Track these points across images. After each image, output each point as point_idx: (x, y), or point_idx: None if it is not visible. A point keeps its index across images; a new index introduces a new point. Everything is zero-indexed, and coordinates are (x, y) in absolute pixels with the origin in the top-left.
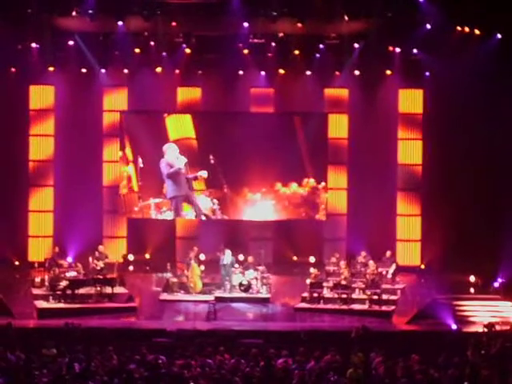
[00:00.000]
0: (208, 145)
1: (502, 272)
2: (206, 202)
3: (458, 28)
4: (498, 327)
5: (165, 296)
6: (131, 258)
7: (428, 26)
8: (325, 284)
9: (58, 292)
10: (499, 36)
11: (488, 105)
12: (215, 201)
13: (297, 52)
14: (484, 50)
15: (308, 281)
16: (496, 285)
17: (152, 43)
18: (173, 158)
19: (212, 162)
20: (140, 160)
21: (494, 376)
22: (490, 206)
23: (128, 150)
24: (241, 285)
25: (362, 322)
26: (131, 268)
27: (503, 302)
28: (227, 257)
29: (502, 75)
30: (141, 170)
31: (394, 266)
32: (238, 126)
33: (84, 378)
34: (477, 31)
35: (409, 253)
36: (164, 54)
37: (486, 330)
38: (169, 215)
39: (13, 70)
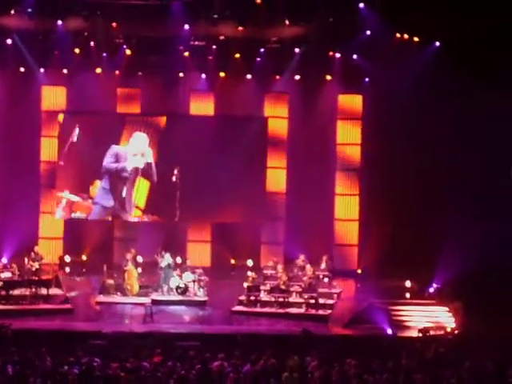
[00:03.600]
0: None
1: (438, 277)
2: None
3: (398, 35)
4: (432, 332)
5: (101, 298)
6: (68, 259)
7: (368, 32)
8: (262, 287)
9: None
10: (438, 44)
11: (425, 111)
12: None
13: (237, 55)
14: (423, 57)
15: (245, 284)
16: (431, 290)
17: (92, 43)
18: (131, 151)
19: (174, 179)
20: (76, 132)
21: (428, 381)
22: (426, 212)
23: None
24: (178, 287)
25: (298, 325)
26: (68, 269)
27: (438, 307)
28: (167, 259)
29: (439, 82)
30: (70, 147)
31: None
32: (177, 128)
33: (17, 380)
34: (416, 38)
35: (346, 257)
36: (104, 54)
37: (420, 334)
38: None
39: None
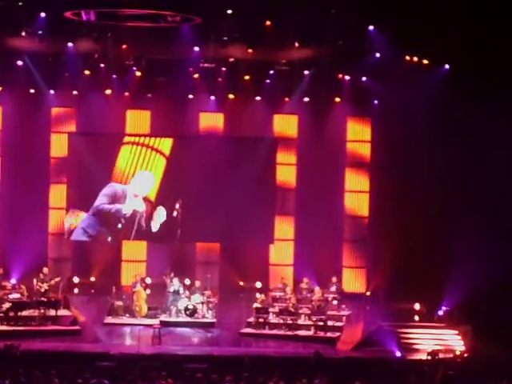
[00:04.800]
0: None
1: (447, 300)
2: None
3: (407, 57)
4: (441, 355)
5: (109, 319)
6: (76, 280)
7: (377, 55)
8: (271, 309)
9: (1, 314)
10: (447, 66)
11: (435, 134)
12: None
13: (247, 77)
14: (432, 79)
15: (254, 305)
16: (440, 313)
17: (102, 65)
18: (132, 191)
19: (175, 214)
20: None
21: None
22: (435, 234)
23: None
24: (186, 309)
25: (306, 348)
26: (76, 290)
27: (447, 330)
28: (175, 284)
29: (449, 105)
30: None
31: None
32: (187, 149)
33: None
34: (425, 61)
35: (354, 280)
36: (114, 76)
37: (429, 357)
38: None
39: None
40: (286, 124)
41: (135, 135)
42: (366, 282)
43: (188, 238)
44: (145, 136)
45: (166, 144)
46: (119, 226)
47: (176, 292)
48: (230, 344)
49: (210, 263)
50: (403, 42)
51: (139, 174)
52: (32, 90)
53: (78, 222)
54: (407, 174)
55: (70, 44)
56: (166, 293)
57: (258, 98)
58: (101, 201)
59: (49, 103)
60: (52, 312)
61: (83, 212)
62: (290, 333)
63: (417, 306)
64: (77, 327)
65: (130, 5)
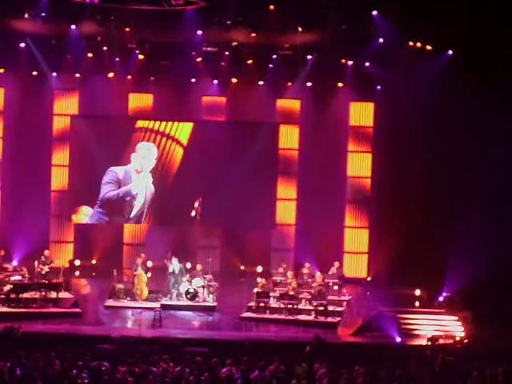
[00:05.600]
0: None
1: (447, 286)
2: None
3: (410, 43)
4: (441, 341)
5: (110, 302)
6: (77, 263)
7: (381, 40)
8: (271, 294)
9: (2, 296)
10: (450, 52)
11: (438, 119)
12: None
13: (250, 61)
14: (435, 65)
15: (255, 290)
16: (441, 299)
17: (105, 48)
18: (134, 168)
19: (193, 214)
20: None
21: None
22: (436, 220)
23: None
24: (187, 293)
25: (307, 332)
26: (77, 273)
27: (447, 316)
28: (175, 265)
29: (452, 90)
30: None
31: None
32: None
33: (25, 383)
34: (428, 47)
35: (355, 265)
36: (117, 59)
37: (429, 343)
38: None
39: None
40: (288, 108)
41: (139, 118)
42: (367, 268)
43: (190, 223)
44: (160, 121)
45: (184, 130)
46: (134, 209)
47: (175, 273)
48: (230, 328)
49: (211, 247)
50: (407, 27)
51: (139, 148)
52: (35, 73)
53: (81, 217)
54: (409, 159)
55: (73, 26)
56: (167, 276)
57: (260, 83)
58: (105, 190)
59: (51, 86)
60: (53, 294)
61: (84, 206)
62: (290, 317)
63: (417, 292)
64: (78, 309)
65: None
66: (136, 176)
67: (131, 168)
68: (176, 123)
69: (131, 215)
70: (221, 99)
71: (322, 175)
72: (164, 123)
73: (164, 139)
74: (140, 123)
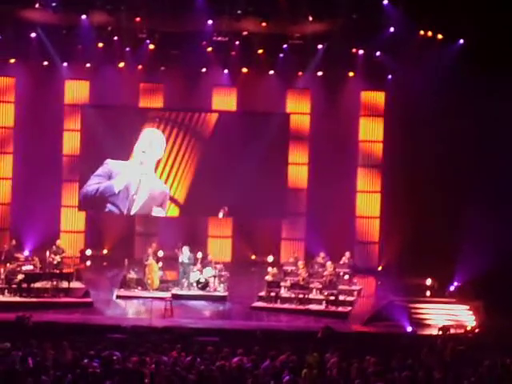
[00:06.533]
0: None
1: (458, 276)
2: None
3: (421, 32)
4: (452, 330)
5: (121, 292)
6: (89, 252)
7: (391, 29)
8: (282, 283)
9: (14, 285)
10: (462, 41)
11: (448, 108)
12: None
13: (260, 51)
14: (446, 54)
15: (266, 278)
16: (452, 288)
17: (115, 38)
18: (137, 159)
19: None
20: None
21: (447, 379)
22: (447, 209)
23: None
24: (198, 282)
25: (318, 322)
26: (89, 263)
27: (458, 306)
28: (185, 254)
29: (463, 79)
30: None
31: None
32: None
33: (37, 372)
34: (439, 36)
35: (366, 254)
36: (127, 49)
37: (440, 333)
38: None
39: None
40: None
41: (149, 109)
42: (378, 257)
43: (201, 212)
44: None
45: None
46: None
47: (188, 262)
48: (241, 318)
49: (222, 237)
50: (417, 16)
51: (143, 134)
52: (45, 63)
53: None
54: (420, 148)
55: (83, 16)
56: (178, 265)
57: (271, 72)
58: (88, 183)
59: (62, 75)
60: (64, 284)
61: None
62: (301, 307)
63: (428, 281)
64: (89, 299)
65: None
66: (131, 169)
67: (133, 162)
68: (188, 113)
69: (132, 212)
70: (231, 89)
71: (333, 164)
72: (175, 113)
73: (176, 129)
74: (151, 113)
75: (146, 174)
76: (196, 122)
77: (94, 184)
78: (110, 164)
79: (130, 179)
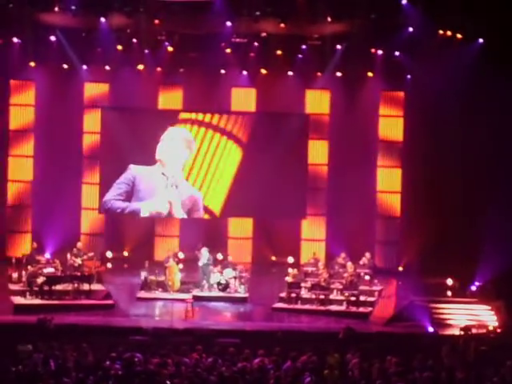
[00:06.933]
0: None
1: (480, 275)
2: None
3: (441, 32)
4: (474, 331)
5: (142, 294)
6: (109, 255)
7: (410, 29)
8: (303, 284)
9: (35, 288)
10: (481, 41)
11: (468, 108)
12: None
13: (279, 52)
14: (465, 54)
15: (287, 278)
16: (473, 288)
17: (134, 40)
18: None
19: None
20: None
21: (470, 380)
22: (468, 209)
23: None
24: (219, 284)
25: (339, 323)
26: (109, 265)
27: (480, 306)
28: (204, 255)
29: (482, 79)
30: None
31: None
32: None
33: (59, 374)
34: (459, 35)
35: (387, 255)
36: (146, 51)
37: (462, 333)
38: None
39: None
40: (318, 99)
41: (169, 111)
42: (399, 257)
43: (222, 214)
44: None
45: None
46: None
47: (207, 264)
48: (262, 319)
49: (242, 238)
50: (437, 16)
51: (165, 134)
52: (65, 66)
53: None
54: (441, 148)
55: (102, 19)
56: (198, 266)
57: (290, 73)
58: (111, 194)
59: (82, 78)
60: (85, 286)
61: None
62: (322, 308)
63: (449, 281)
64: (110, 301)
65: None
66: (156, 177)
67: (157, 169)
68: (209, 114)
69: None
70: (250, 90)
71: (353, 166)
72: (194, 114)
73: (202, 129)
74: (173, 115)
75: (173, 185)
76: (217, 122)
77: (117, 196)
78: (132, 169)
79: (157, 205)
